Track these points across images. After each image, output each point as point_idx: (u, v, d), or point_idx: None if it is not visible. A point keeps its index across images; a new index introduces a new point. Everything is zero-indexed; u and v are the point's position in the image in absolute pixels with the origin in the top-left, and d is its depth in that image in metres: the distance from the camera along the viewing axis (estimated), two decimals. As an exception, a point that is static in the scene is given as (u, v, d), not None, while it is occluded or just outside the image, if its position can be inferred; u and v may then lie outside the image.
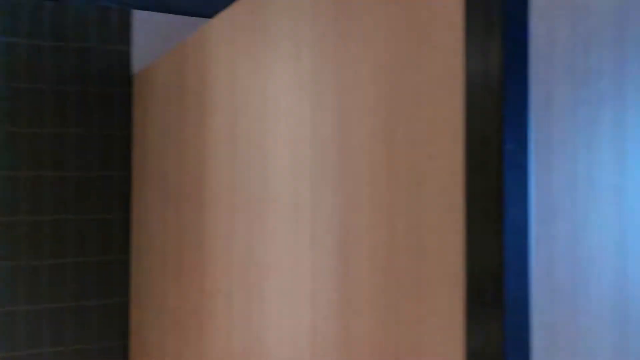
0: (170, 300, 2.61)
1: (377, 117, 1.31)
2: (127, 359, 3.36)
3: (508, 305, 0.97)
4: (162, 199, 2.79)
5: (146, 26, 3.48)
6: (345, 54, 1.43)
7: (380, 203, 1.28)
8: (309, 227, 1.55)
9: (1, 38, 3.15)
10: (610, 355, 1.07)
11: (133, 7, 3.43)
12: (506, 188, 0.98)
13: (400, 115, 1.24)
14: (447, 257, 1.09)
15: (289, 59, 1.68)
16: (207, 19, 3.70)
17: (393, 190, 1.25)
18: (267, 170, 1.79)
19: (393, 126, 1.26)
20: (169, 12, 3.54)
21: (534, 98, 1.04)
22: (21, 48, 3.19)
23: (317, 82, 1.54)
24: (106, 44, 3.38)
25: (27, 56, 3.20)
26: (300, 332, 1.56)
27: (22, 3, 3.19)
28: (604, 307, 1.07)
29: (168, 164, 2.72)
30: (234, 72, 2.04)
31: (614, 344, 1.07)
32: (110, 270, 3.33)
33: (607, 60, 1.11)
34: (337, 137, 1.44)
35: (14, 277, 3.12)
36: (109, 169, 3.36)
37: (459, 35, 1.09)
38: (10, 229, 3.13)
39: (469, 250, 1.03)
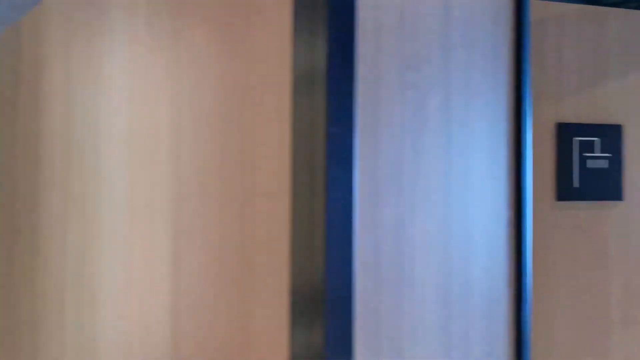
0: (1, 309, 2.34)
1: (210, 105, 1.23)
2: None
3: (331, 298, 0.93)
4: (-5, 198, 2.50)
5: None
6: (179, 40, 1.33)
7: (211, 193, 1.20)
8: (144, 227, 1.44)
9: None
10: (435, 336, 1.08)
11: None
12: (330, 172, 0.94)
13: (232, 103, 1.17)
14: (274, 246, 1.03)
15: (124, 41, 1.55)
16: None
17: (225, 180, 1.17)
18: (100, 168, 1.64)
19: (225, 114, 1.18)
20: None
21: (361, 82, 1.02)
22: None
23: (153, 67, 1.42)
24: None
25: None
26: (133, 334, 1.44)
27: None
28: (429, 291, 1.08)
29: None
30: (69, 56, 1.85)
31: (438, 325, 1.08)
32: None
33: (434, 46, 1.12)
34: (171, 130, 1.34)
35: None
36: None
37: (287, 21, 1.04)
38: None
39: (294, 238, 0.98)
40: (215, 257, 1.19)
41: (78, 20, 1.80)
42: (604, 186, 1.84)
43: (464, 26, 1.16)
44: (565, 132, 1.81)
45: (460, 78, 1.15)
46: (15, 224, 2.23)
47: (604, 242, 1.82)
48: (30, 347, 2.06)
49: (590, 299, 1.79)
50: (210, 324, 1.19)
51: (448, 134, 1.12)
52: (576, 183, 1.81)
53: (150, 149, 1.42)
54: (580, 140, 1.82)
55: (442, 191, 1.11)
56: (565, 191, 1.80)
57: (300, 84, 1.00)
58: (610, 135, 1.85)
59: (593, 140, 1.84)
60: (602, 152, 1.84)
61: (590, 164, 1.83)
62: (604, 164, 1.85)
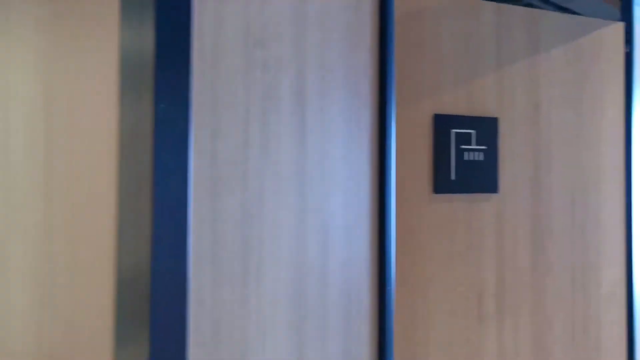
0: None
1: (36, 96, 1.08)
2: None
3: (157, 297, 0.82)
4: None
5: None
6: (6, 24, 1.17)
7: (37, 184, 1.06)
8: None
9: None
10: (287, 336, 0.99)
11: None
12: (159, 156, 0.83)
13: (59, 86, 1.03)
14: (99, 241, 0.91)
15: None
16: None
17: (51, 168, 1.03)
18: None
19: (52, 104, 1.04)
20: None
21: (197, 59, 0.91)
22: None
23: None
24: None
25: None
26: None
27: None
28: (281, 286, 0.99)
29: None
30: None
31: (291, 323, 1.00)
32: None
33: (286, 22, 1.04)
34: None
35: None
36: None
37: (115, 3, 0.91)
38: None
39: (120, 233, 0.86)
40: (44, 257, 1.04)
41: None
42: (480, 179, 1.85)
43: (318, 4, 1.08)
44: (442, 123, 1.80)
45: (316, 58, 1.07)
46: None
47: (479, 235, 1.82)
48: None
49: (466, 291, 1.79)
50: (35, 326, 1.05)
51: (302, 119, 1.04)
52: (453, 175, 1.81)
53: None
54: (457, 132, 1.82)
55: (296, 180, 1.02)
56: (442, 184, 1.79)
57: (127, 66, 0.88)
58: (486, 128, 1.87)
59: (470, 133, 1.84)
60: (478, 145, 1.85)
61: (466, 156, 1.83)
62: (480, 156, 1.85)
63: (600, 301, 2.04)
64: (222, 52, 0.94)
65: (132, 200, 0.85)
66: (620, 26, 2.14)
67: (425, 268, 1.74)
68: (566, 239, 1.97)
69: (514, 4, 2.74)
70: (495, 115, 1.88)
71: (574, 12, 2.69)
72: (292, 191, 1.02)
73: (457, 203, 1.80)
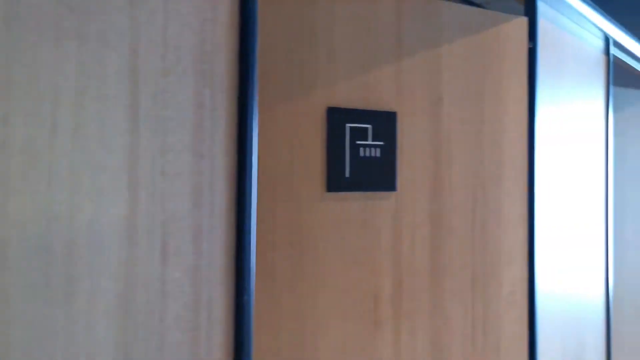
0: None
1: None
2: None
3: None
4: None
5: None
6: None
7: None
8: None
9: None
10: (110, 356, 0.85)
11: None
12: None
13: None
14: None
15: None
16: None
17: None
18: None
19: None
20: None
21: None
22: None
23: None
24: None
25: None
26: None
27: None
28: (101, 300, 0.84)
29: None
30: None
31: (116, 341, 0.85)
32: None
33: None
34: None
35: None
36: None
37: None
38: None
39: None
40: None
41: None
42: (377, 176, 1.75)
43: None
44: (336, 117, 1.69)
45: (156, 33, 0.93)
46: None
47: (375, 235, 1.73)
48: None
49: (360, 295, 1.69)
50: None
51: (134, 102, 0.89)
52: (347, 173, 1.70)
53: None
54: (352, 127, 1.72)
55: (125, 174, 0.88)
56: (335, 181, 1.68)
57: None
58: (384, 123, 1.77)
59: (366, 128, 1.74)
60: (374, 140, 1.75)
61: (362, 152, 1.73)
62: (376, 152, 1.76)
63: (501, 301, 1.99)
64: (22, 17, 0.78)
65: None
66: (524, 21, 2.10)
67: (317, 271, 1.62)
68: (466, 238, 1.91)
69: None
70: (393, 110, 1.79)
71: (478, 5, 2.66)
72: (120, 188, 0.87)
73: (352, 202, 1.70)
